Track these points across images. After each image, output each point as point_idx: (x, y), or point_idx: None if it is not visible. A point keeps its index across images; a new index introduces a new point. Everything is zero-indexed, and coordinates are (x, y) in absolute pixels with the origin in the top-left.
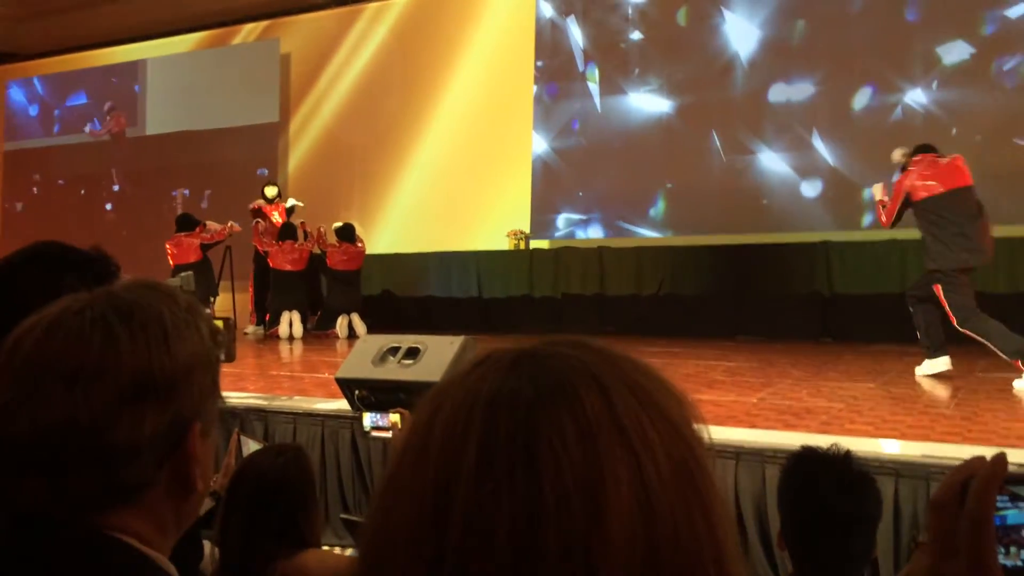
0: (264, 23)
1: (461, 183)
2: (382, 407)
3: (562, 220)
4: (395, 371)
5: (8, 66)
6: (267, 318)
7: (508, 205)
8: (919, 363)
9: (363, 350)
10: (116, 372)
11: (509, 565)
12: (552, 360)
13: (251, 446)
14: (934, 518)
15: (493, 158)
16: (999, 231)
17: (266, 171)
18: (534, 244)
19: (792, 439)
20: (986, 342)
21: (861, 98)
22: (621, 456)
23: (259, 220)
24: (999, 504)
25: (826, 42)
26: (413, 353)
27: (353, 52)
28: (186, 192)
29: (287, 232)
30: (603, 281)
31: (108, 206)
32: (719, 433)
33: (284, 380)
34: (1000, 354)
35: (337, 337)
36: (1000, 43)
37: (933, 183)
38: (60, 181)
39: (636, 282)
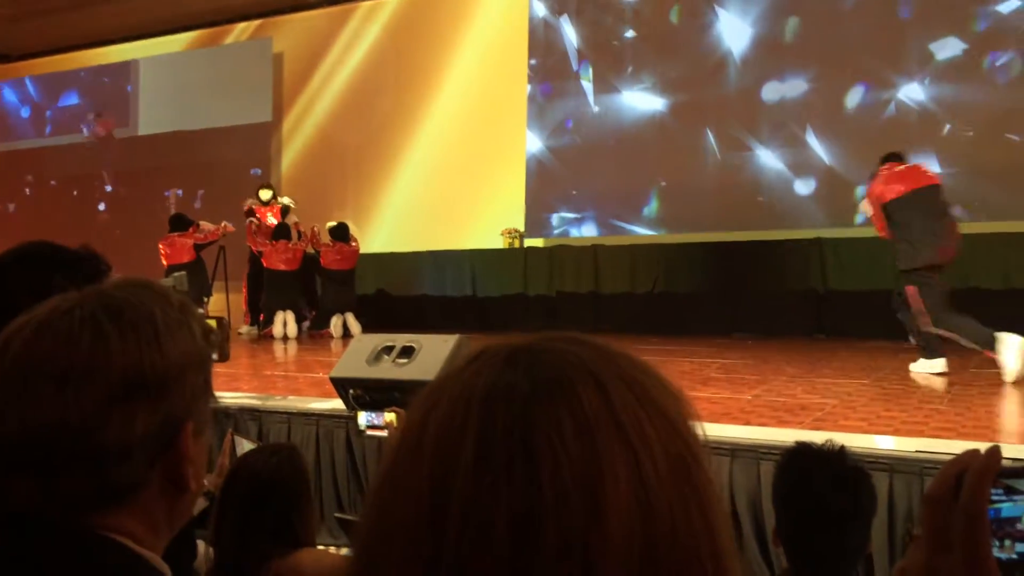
0: (256, 22)
1: (455, 182)
2: (377, 406)
3: (556, 218)
4: (389, 370)
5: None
6: (261, 318)
7: (502, 204)
8: (913, 359)
9: (357, 349)
10: (106, 371)
11: (507, 560)
12: (548, 355)
13: (245, 446)
14: (928, 512)
15: (487, 157)
16: (992, 227)
17: (260, 171)
18: (528, 242)
19: (787, 435)
20: (957, 338)
21: (854, 95)
22: (619, 452)
23: (252, 220)
24: (993, 497)
25: (819, 39)
26: (407, 352)
27: (346, 51)
28: (179, 192)
29: (281, 232)
30: (597, 279)
31: (101, 206)
32: (714, 430)
33: (278, 380)
34: (974, 347)
35: (331, 336)
36: (992, 39)
37: (898, 185)
38: (52, 182)
39: (630, 280)
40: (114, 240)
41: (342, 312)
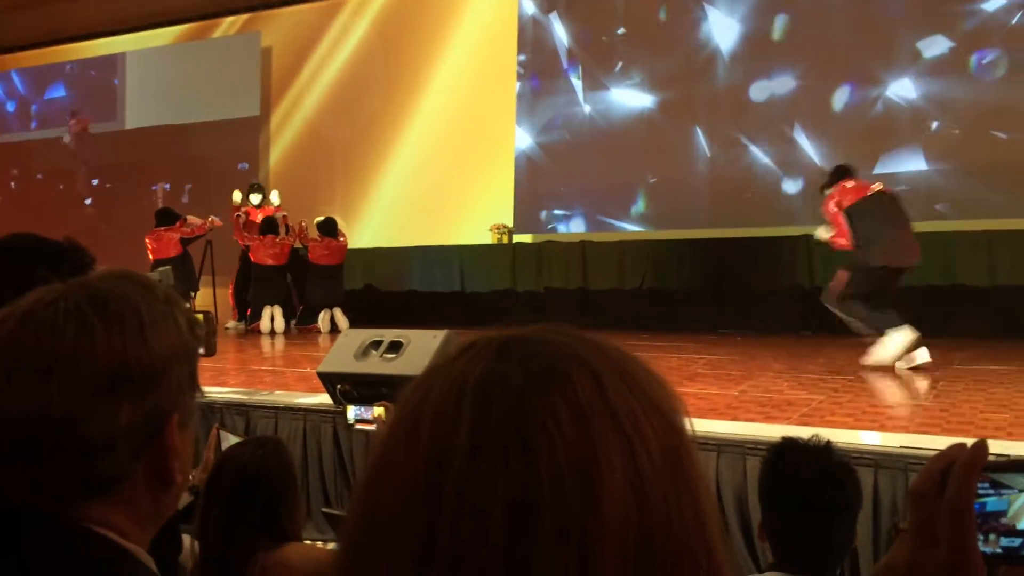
0: (245, 16)
1: (444, 177)
2: (364, 401)
3: (545, 214)
4: (377, 365)
5: None
6: (248, 312)
7: (491, 199)
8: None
9: (345, 344)
10: (91, 363)
11: (503, 547)
12: (541, 345)
13: (231, 440)
14: (914, 506)
15: (476, 152)
16: (978, 224)
17: (247, 165)
18: (517, 238)
19: (773, 431)
20: (849, 321)
21: (842, 93)
22: (614, 440)
23: (239, 214)
24: (979, 491)
25: (807, 37)
26: (395, 347)
27: (335, 46)
28: (167, 186)
29: (268, 226)
30: (586, 275)
31: (88, 200)
32: (701, 426)
33: (265, 375)
34: (864, 331)
35: (319, 332)
36: (979, 37)
37: (856, 193)
38: (39, 176)
39: (618, 276)
40: (100, 234)
41: (330, 307)
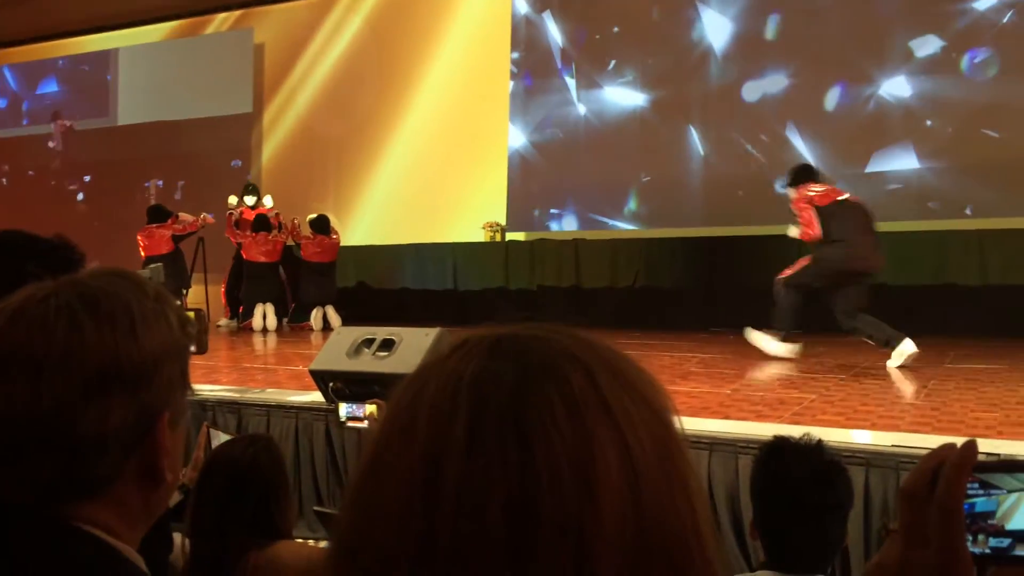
0: (237, 13)
1: (436, 175)
2: (356, 399)
3: (538, 212)
4: (370, 363)
5: None
6: (240, 310)
7: (484, 197)
8: (887, 355)
9: (337, 342)
10: (81, 361)
11: (503, 542)
12: (534, 342)
13: (221, 438)
14: (904, 506)
15: (469, 150)
16: (969, 223)
17: (240, 162)
18: (510, 236)
19: (765, 430)
20: (777, 305)
21: (835, 91)
22: (608, 434)
23: (232, 212)
24: (969, 491)
25: (800, 36)
26: (388, 345)
27: (328, 42)
28: (159, 183)
29: (261, 224)
30: (578, 273)
31: (80, 196)
32: (693, 424)
33: (257, 372)
34: (775, 323)
35: (311, 329)
36: (970, 36)
37: (828, 196)
38: (30, 172)
39: (611, 274)
40: (93, 231)
41: (322, 305)
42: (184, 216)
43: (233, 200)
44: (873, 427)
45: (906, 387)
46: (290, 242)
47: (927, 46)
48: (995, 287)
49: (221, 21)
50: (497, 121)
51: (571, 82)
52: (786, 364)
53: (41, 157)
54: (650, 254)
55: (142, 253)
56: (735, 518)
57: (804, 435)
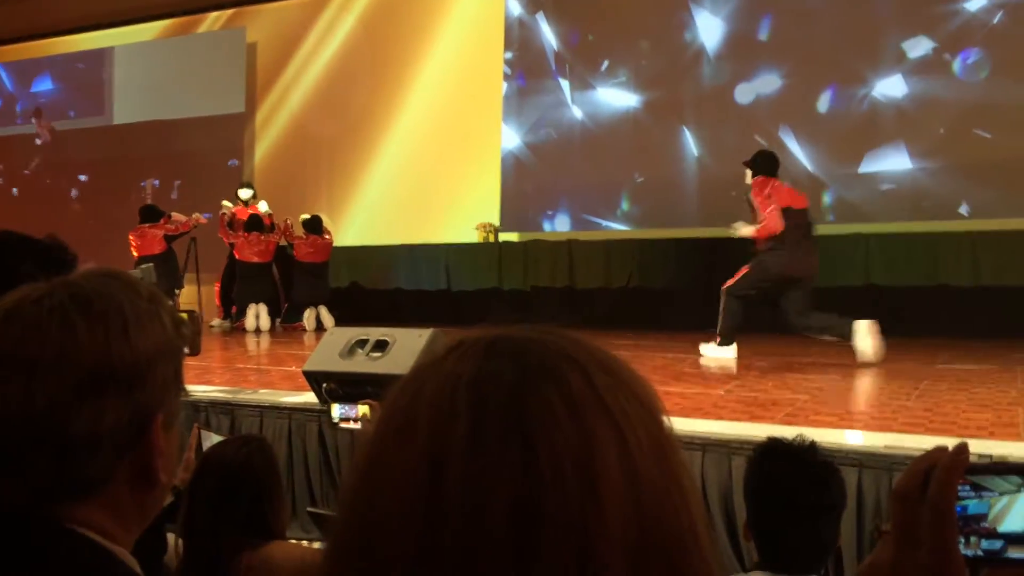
0: (230, 12)
1: (430, 175)
2: (350, 400)
3: (531, 213)
4: (363, 364)
5: None
6: (234, 310)
7: (477, 197)
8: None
9: (331, 343)
10: (75, 363)
11: (508, 541)
12: (529, 343)
13: (212, 439)
14: (897, 507)
15: (462, 150)
16: (962, 225)
17: (237, 162)
18: (503, 237)
19: (758, 430)
20: (722, 316)
21: (827, 92)
22: (607, 431)
23: (224, 212)
24: (961, 494)
25: (793, 37)
26: (381, 346)
27: (321, 42)
28: (155, 182)
29: (254, 224)
30: (572, 274)
31: (73, 193)
32: (686, 425)
33: (250, 373)
34: (717, 325)
35: (304, 330)
36: (961, 37)
37: (790, 198)
38: (25, 171)
39: (605, 275)
40: (88, 230)
41: (315, 305)
42: (177, 216)
43: (228, 204)
44: (866, 428)
45: (898, 388)
46: (283, 242)
47: (919, 47)
48: (987, 288)
49: (213, 20)
50: (490, 121)
51: (564, 83)
52: (782, 365)
53: (36, 156)
54: (644, 255)
55: (134, 253)
56: (728, 519)
57: (797, 436)
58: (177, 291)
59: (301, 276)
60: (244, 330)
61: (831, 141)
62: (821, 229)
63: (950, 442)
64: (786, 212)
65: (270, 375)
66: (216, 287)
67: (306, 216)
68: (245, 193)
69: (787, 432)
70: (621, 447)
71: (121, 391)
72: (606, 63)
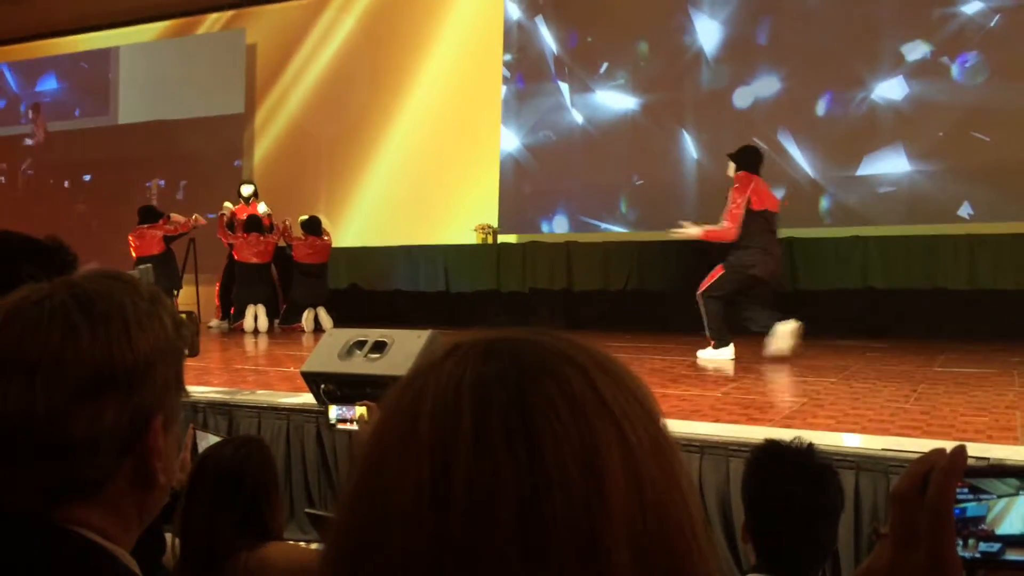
0: (229, 13)
1: (429, 176)
2: (348, 401)
3: (530, 215)
4: (361, 365)
5: None
6: (232, 311)
7: (476, 199)
8: (878, 357)
9: (329, 344)
10: (76, 364)
11: (515, 540)
12: (527, 344)
13: (208, 439)
14: (895, 510)
15: (461, 152)
16: (961, 228)
17: (241, 162)
18: (502, 238)
19: (756, 433)
20: (706, 320)
21: (825, 95)
22: (609, 431)
23: (223, 212)
24: (959, 496)
25: (791, 41)
26: (380, 347)
27: (320, 44)
28: (161, 183)
29: (252, 224)
30: (570, 276)
31: (79, 195)
32: (684, 427)
33: (249, 374)
34: (706, 330)
35: (303, 331)
36: (960, 41)
37: (767, 200)
38: (29, 172)
39: (603, 277)
40: (91, 231)
41: (314, 306)
42: (176, 217)
43: (228, 205)
44: (863, 431)
45: (896, 391)
46: (282, 243)
47: (917, 51)
48: (985, 292)
49: (213, 21)
50: (489, 123)
51: (563, 85)
52: (778, 367)
53: (38, 155)
54: (642, 257)
55: (133, 254)
56: (726, 521)
57: (795, 438)
58: (176, 292)
59: (300, 277)
60: (242, 331)
61: (829, 144)
62: (819, 232)
63: (948, 445)
64: (762, 214)
65: (268, 376)
66: (216, 288)
67: (305, 217)
68: (247, 189)
69: (785, 434)
70: (623, 446)
71: (121, 392)
72: (605, 66)
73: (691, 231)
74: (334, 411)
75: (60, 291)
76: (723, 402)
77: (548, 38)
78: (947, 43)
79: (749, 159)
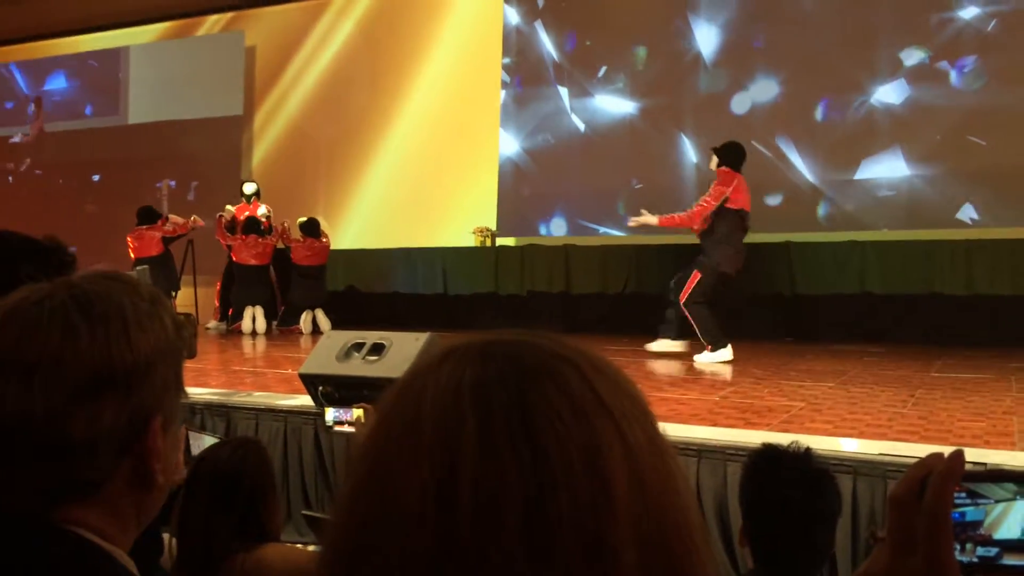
0: (229, 15)
1: (427, 179)
2: (346, 403)
3: (529, 218)
4: (359, 367)
5: None
6: (230, 312)
7: (474, 202)
8: (876, 362)
9: (327, 346)
10: (75, 364)
11: (521, 540)
12: (523, 347)
13: (202, 440)
14: (892, 514)
15: (460, 154)
16: (958, 233)
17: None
18: (500, 241)
19: (753, 437)
20: (694, 325)
21: (823, 100)
22: (609, 428)
23: (222, 214)
24: (957, 501)
25: (789, 45)
26: (378, 349)
27: (319, 46)
28: (172, 183)
29: (251, 226)
30: (569, 279)
31: (88, 196)
32: (682, 431)
33: (246, 376)
34: (700, 336)
35: (301, 333)
36: (957, 45)
37: (743, 198)
38: (37, 171)
39: (601, 280)
40: (101, 231)
41: (312, 308)
42: (174, 218)
43: (229, 208)
44: (861, 435)
45: (894, 396)
46: (280, 245)
47: (915, 56)
48: (981, 297)
49: (212, 23)
50: (488, 126)
51: (562, 89)
52: (777, 372)
53: (47, 155)
54: (640, 260)
55: (131, 255)
56: (724, 525)
57: (792, 443)
58: (174, 293)
59: (298, 279)
60: (240, 332)
61: (828, 148)
62: (817, 236)
63: (945, 450)
64: (739, 213)
65: (266, 377)
66: (216, 289)
67: (303, 219)
68: (249, 188)
69: (782, 439)
70: (624, 446)
71: (120, 393)
72: (603, 70)
73: (648, 219)
74: (331, 413)
75: (59, 291)
76: (721, 406)
77: (547, 42)
78: (945, 48)
79: (734, 156)
